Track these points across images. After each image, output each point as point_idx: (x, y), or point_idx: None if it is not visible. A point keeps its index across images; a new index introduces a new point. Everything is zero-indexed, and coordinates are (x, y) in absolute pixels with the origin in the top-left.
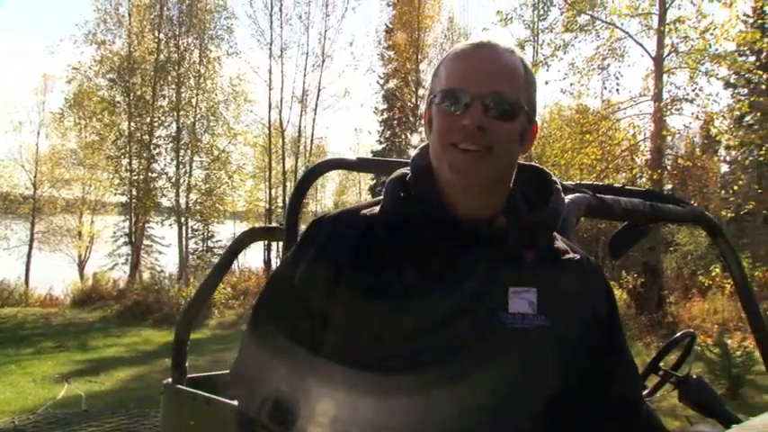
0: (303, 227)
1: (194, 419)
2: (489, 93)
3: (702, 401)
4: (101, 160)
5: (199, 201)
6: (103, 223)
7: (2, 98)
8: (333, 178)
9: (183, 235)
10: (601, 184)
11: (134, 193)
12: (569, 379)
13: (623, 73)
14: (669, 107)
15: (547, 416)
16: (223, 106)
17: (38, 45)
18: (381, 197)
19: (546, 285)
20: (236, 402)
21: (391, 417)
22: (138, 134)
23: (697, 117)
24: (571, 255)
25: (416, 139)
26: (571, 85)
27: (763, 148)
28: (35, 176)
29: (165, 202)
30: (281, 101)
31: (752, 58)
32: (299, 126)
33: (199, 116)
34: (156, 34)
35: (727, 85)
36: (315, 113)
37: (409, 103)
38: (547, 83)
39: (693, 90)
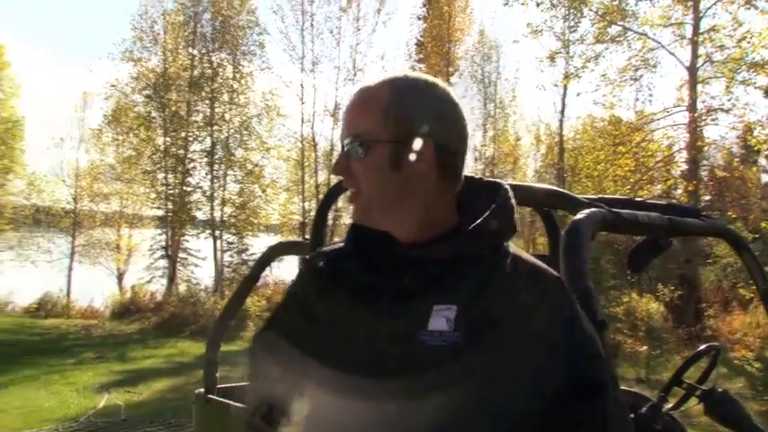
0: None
1: (224, 428)
2: (347, 137)
3: (728, 415)
4: (137, 175)
5: (233, 214)
6: (141, 236)
7: (44, 116)
8: None
9: (218, 248)
10: (619, 197)
11: (170, 206)
12: (484, 396)
13: (656, 83)
14: (704, 117)
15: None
16: (256, 121)
17: (78, 64)
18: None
19: (470, 302)
20: None
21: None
22: (174, 149)
23: (734, 127)
24: (507, 271)
25: None
26: (603, 96)
27: None
28: (75, 191)
29: (200, 216)
30: (314, 114)
31: None
32: (332, 139)
33: (232, 131)
34: (190, 51)
35: (767, 93)
36: None
37: None
38: (578, 94)
39: (729, 100)
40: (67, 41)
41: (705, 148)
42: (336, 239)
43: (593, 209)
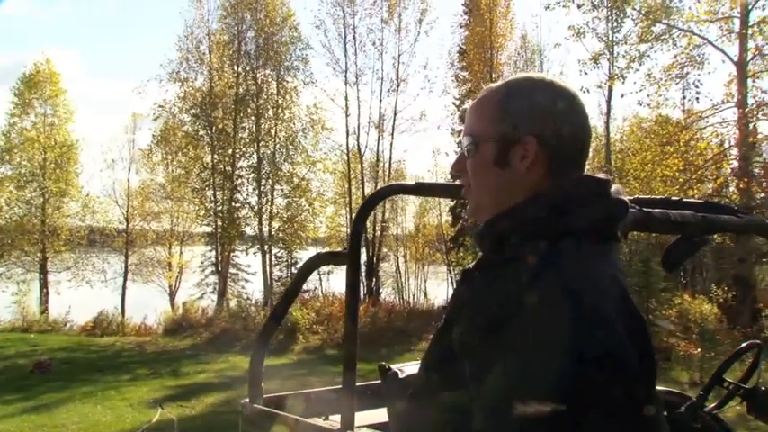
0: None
1: None
2: (463, 137)
3: None
4: (187, 193)
5: (281, 228)
6: (191, 254)
7: (96, 138)
8: (413, 201)
9: (267, 262)
10: (654, 197)
11: (219, 223)
12: (449, 375)
13: (703, 81)
14: (755, 113)
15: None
16: (301, 135)
17: (127, 86)
18: None
19: (466, 291)
20: (311, 420)
21: None
22: (221, 166)
23: None
24: (508, 262)
25: None
26: (648, 96)
27: None
28: (127, 211)
29: (248, 231)
30: (359, 126)
31: None
32: (377, 151)
33: (278, 146)
34: (235, 69)
35: None
36: (392, 137)
37: None
38: (623, 95)
39: None
40: (116, 65)
41: (757, 144)
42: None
43: None
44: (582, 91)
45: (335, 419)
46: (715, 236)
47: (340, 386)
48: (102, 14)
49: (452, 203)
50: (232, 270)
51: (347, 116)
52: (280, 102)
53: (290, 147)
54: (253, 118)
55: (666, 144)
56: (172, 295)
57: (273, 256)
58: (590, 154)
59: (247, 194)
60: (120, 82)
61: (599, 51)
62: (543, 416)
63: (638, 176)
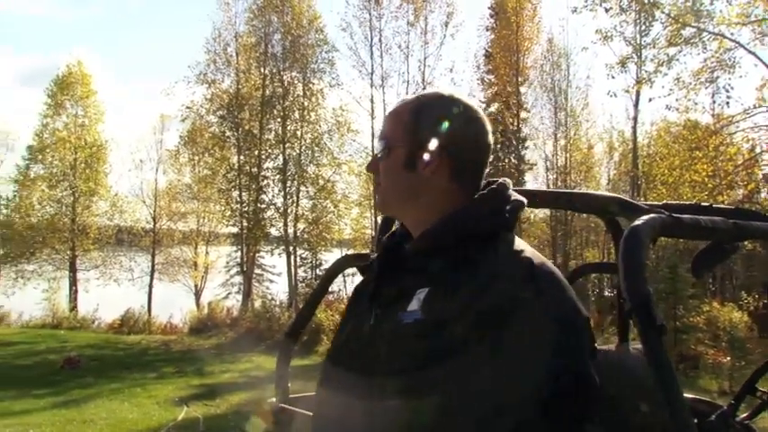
0: None
1: None
2: (378, 141)
3: None
4: (213, 193)
5: (306, 230)
6: (217, 254)
7: (125, 139)
8: None
9: (292, 263)
10: (683, 203)
11: (244, 223)
12: (435, 373)
13: (734, 85)
14: None
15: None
16: (327, 137)
17: (155, 88)
18: None
19: (441, 285)
20: None
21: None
22: (247, 167)
23: None
24: (476, 256)
25: None
26: (677, 100)
27: None
28: (155, 211)
29: (273, 232)
30: None
31: None
32: None
33: (304, 147)
34: (262, 71)
35: None
36: None
37: (511, 127)
38: (650, 100)
39: None
40: (144, 67)
41: None
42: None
43: (652, 214)
44: (609, 95)
45: None
46: (746, 243)
47: None
48: (131, 16)
49: None
50: (257, 271)
51: (373, 118)
52: (306, 104)
53: (316, 148)
54: (279, 120)
55: (695, 149)
56: (197, 295)
57: (298, 258)
58: (616, 158)
59: (273, 195)
60: (149, 83)
61: (627, 55)
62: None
63: (665, 182)
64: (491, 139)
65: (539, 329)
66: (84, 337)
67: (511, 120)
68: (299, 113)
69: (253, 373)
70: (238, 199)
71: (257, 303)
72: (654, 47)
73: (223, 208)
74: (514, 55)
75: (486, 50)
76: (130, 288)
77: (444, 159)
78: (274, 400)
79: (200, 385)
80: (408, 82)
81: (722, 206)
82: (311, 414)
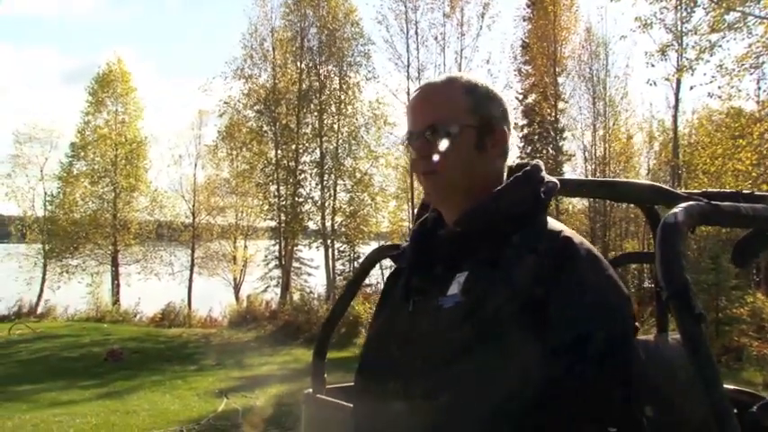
0: None
1: (329, 425)
2: (424, 126)
3: None
4: (251, 188)
5: (344, 223)
6: (255, 248)
7: (165, 135)
8: None
9: (330, 257)
10: (725, 191)
11: (282, 217)
12: (484, 354)
13: None
14: None
15: (465, 380)
16: (364, 130)
17: (194, 84)
18: None
19: (481, 268)
20: None
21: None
22: (285, 161)
23: None
24: (522, 237)
25: None
26: (719, 88)
27: None
28: (194, 205)
29: (311, 226)
30: None
31: None
32: None
33: (341, 141)
34: (299, 65)
35: None
36: None
37: (549, 117)
38: (692, 88)
39: None
40: (182, 64)
41: None
42: None
43: (690, 202)
44: (648, 84)
45: None
46: None
47: None
48: (170, 14)
49: None
50: (295, 264)
51: None
52: (342, 97)
53: (353, 142)
54: (316, 113)
55: (739, 137)
56: (236, 288)
57: (336, 251)
58: (657, 148)
59: (310, 189)
60: (189, 80)
61: (667, 43)
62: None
63: (707, 171)
64: None
65: (581, 307)
66: (127, 330)
67: (548, 110)
68: (335, 107)
69: (291, 366)
70: (276, 193)
71: (296, 296)
72: (695, 33)
73: (261, 202)
74: (552, 45)
75: (523, 41)
76: (171, 282)
77: (505, 141)
78: (310, 390)
79: (239, 377)
80: (441, 72)
81: (765, 193)
82: (349, 404)
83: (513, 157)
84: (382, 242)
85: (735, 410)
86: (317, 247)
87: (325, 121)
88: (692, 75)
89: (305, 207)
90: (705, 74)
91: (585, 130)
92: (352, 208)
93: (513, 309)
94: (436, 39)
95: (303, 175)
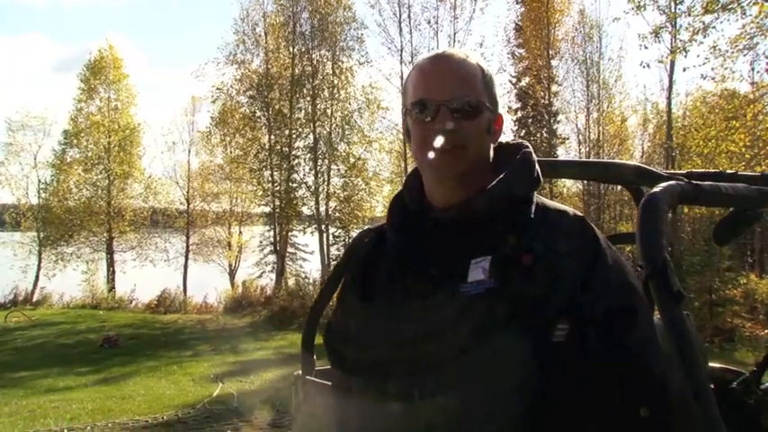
0: None
1: (320, 406)
2: (453, 98)
3: None
4: (245, 173)
5: (338, 208)
6: (250, 233)
7: (157, 122)
8: None
9: (325, 242)
10: (709, 171)
11: (276, 203)
12: (524, 338)
13: None
14: None
15: (500, 370)
16: (357, 115)
17: (185, 71)
18: None
19: (503, 252)
20: None
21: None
22: (278, 146)
23: None
24: (534, 219)
25: None
26: (713, 69)
27: None
28: (188, 192)
29: (305, 211)
30: None
31: None
32: None
33: (334, 126)
34: (291, 50)
35: None
36: None
37: (543, 101)
38: (685, 69)
39: None
40: (175, 51)
41: None
42: None
43: (671, 182)
44: (642, 66)
45: None
46: None
47: None
48: (164, 1)
49: None
50: (290, 249)
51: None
52: (335, 82)
53: (346, 127)
54: (309, 98)
55: (732, 119)
56: (231, 274)
57: (331, 236)
58: (651, 130)
59: (304, 174)
60: (183, 66)
61: (660, 24)
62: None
63: (701, 153)
64: None
65: (614, 273)
66: (122, 316)
67: (542, 93)
68: (328, 92)
69: (286, 351)
70: (270, 178)
71: (291, 282)
72: (689, 15)
73: (255, 188)
74: (545, 28)
75: (517, 24)
76: (166, 269)
77: (502, 124)
78: (300, 372)
79: (234, 363)
80: None
81: (748, 173)
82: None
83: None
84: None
85: (718, 386)
86: (312, 233)
87: (318, 106)
88: (685, 57)
89: (299, 192)
90: (699, 55)
91: (579, 113)
92: (346, 193)
93: (548, 292)
94: (429, 22)
95: (297, 161)
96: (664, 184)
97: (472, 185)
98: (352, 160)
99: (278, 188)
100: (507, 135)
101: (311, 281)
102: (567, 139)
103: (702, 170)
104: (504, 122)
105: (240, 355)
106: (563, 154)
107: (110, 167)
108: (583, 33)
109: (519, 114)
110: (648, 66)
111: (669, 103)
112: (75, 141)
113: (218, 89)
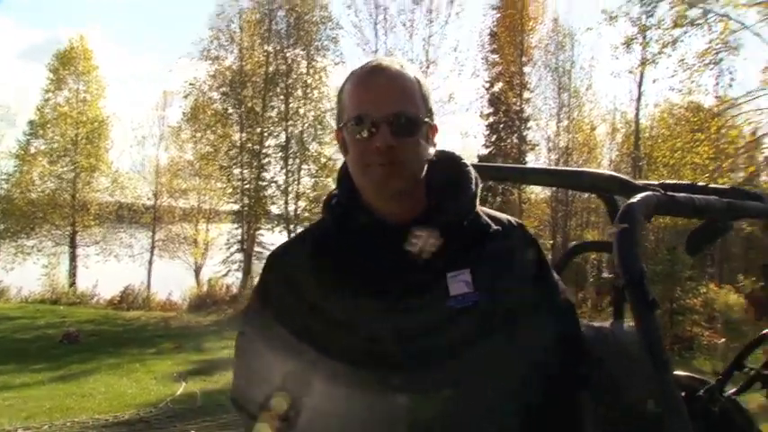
0: None
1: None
2: (391, 114)
3: None
4: (214, 170)
5: (307, 208)
6: (218, 231)
7: (127, 115)
8: None
9: None
10: (680, 183)
11: (245, 201)
12: (509, 344)
13: (738, 67)
14: None
15: (492, 376)
16: (330, 115)
17: (158, 64)
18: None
19: (476, 263)
20: None
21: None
22: (249, 144)
23: None
24: (493, 228)
25: None
26: (681, 82)
27: None
28: (156, 187)
29: (274, 210)
30: None
31: None
32: None
33: (307, 125)
34: (266, 48)
35: None
36: None
37: (515, 107)
38: (654, 81)
39: None
40: (147, 43)
41: None
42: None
43: (647, 192)
44: (613, 76)
45: None
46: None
47: None
48: None
49: None
50: (257, 248)
51: None
52: (309, 81)
53: (319, 126)
54: (282, 97)
55: (698, 131)
56: (197, 272)
57: None
58: (619, 139)
59: (274, 173)
60: (156, 60)
61: (632, 36)
62: None
63: (667, 163)
64: None
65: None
66: (84, 312)
67: (514, 99)
68: (302, 91)
69: None
70: (240, 176)
71: (257, 281)
72: (659, 27)
73: (224, 185)
74: (519, 35)
75: (491, 30)
76: (130, 264)
77: (436, 133)
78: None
79: (198, 361)
80: (412, 60)
81: (718, 186)
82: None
83: (478, 146)
84: None
85: (684, 393)
86: (281, 231)
87: (291, 105)
88: (655, 68)
89: (269, 191)
90: (668, 68)
91: (550, 120)
92: (316, 193)
93: (524, 300)
94: (405, 25)
95: (267, 159)
96: (641, 195)
97: (412, 199)
98: (323, 160)
99: (247, 186)
100: (479, 139)
101: None
102: (537, 145)
103: (674, 181)
104: (477, 126)
105: (204, 354)
106: (532, 160)
107: (76, 160)
108: (556, 41)
109: (491, 119)
110: (619, 76)
111: (637, 113)
112: (40, 132)
113: (190, 84)
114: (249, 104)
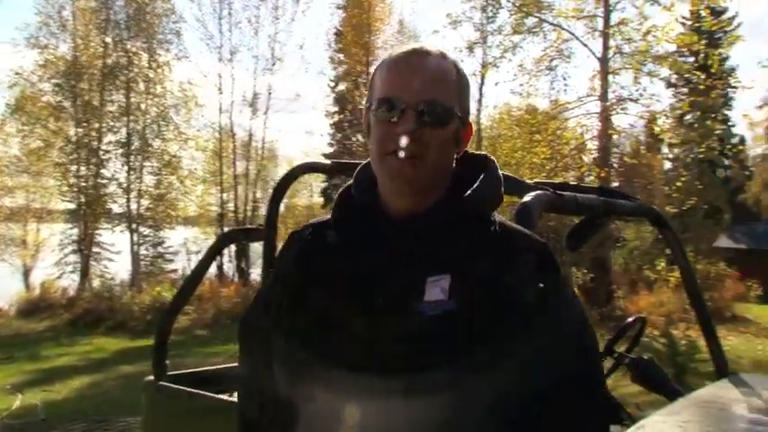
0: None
1: (177, 414)
2: (422, 100)
3: (652, 379)
4: (47, 167)
5: (150, 206)
6: (50, 231)
7: None
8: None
9: (135, 241)
10: (559, 182)
11: (82, 199)
12: (481, 360)
13: (570, 74)
14: (615, 107)
15: (455, 394)
16: (173, 111)
17: None
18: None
19: (462, 271)
20: (221, 396)
21: (334, 413)
22: (87, 140)
23: (641, 116)
24: (497, 239)
25: None
26: (520, 85)
27: (703, 146)
28: None
29: (115, 209)
30: (232, 104)
31: (691, 59)
32: (250, 130)
33: (149, 121)
34: (103, 38)
35: (669, 85)
36: (266, 117)
37: (360, 106)
38: (497, 84)
39: (637, 90)
40: None
41: (615, 136)
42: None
43: (540, 191)
44: None
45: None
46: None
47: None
48: None
49: (324, 184)
50: (95, 249)
51: (220, 93)
52: (151, 75)
53: (162, 122)
54: (122, 91)
55: (535, 132)
56: (26, 275)
57: (140, 236)
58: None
59: (115, 170)
60: None
61: (474, 40)
62: None
63: (507, 163)
64: None
65: (571, 305)
66: None
67: (360, 99)
68: (143, 85)
69: (94, 356)
70: (76, 174)
71: (95, 283)
72: (500, 33)
73: (59, 183)
74: (365, 35)
75: (338, 29)
76: None
77: (471, 136)
78: (152, 378)
79: (34, 371)
80: (258, 58)
81: (589, 185)
82: (194, 390)
83: (323, 144)
84: (190, 227)
85: None
86: (121, 231)
87: (132, 100)
88: (496, 72)
89: (109, 189)
90: (508, 72)
91: None
92: (159, 191)
93: (508, 312)
94: (250, 21)
95: (107, 156)
96: (534, 194)
97: (428, 196)
98: (166, 158)
99: (85, 184)
100: (324, 138)
101: (118, 282)
102: None
103: (550, 181)
104: (323, 125)
105: (41, 362)
106: None
107: None
108: (402, 43)
109: (336, 118)
110: None
111: (479, 115)
112: None
113: (16, 74)
114: (86, 98)
